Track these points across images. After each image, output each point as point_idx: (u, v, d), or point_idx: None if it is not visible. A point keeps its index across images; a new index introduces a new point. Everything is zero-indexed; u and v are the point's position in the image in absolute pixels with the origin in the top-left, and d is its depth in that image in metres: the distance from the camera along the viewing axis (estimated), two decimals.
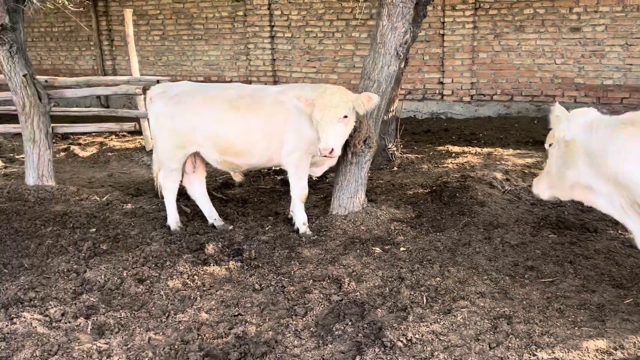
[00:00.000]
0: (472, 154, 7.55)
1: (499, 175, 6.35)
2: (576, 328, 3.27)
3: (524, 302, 3.58)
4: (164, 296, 3.81)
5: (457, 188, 5.73)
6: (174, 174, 4.96)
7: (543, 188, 3.69)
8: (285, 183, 6.81)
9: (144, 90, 7.04)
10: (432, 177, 6.49)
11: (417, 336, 3.25)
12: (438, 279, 3.92)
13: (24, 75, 5.99)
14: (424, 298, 3.67)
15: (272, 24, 10.68)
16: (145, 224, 5.16)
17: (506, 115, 9.52)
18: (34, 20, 12.01)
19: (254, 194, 6.33)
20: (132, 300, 3.79)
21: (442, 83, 9.77)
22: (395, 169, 6.92)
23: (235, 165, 4.87)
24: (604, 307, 3.47)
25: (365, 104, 4.34)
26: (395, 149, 7.06)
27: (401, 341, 3.21)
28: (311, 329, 3.40)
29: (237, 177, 5.14)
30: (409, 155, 7.45)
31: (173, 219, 5.05)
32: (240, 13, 10.86)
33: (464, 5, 9.26)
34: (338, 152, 4.36)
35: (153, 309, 3.65)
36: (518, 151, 7.66)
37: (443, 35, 9.51)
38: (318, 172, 4.99)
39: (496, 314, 3.46)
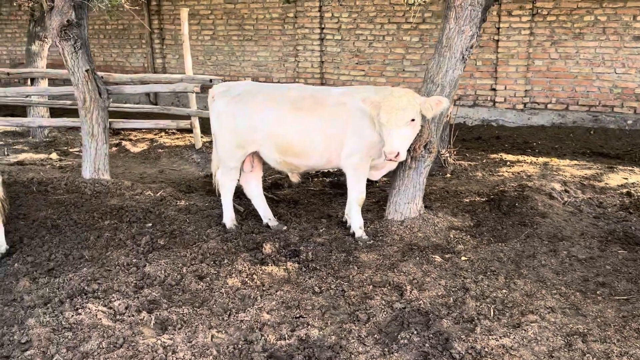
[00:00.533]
0: (527, 163, 7.34)
1: (557, 186, 6.14)
2: None
3: (598, 320, 3.41)
4: (224, 294, 3.79)
5: (516, 198, 5.56)
6: (233, 172, 4.97)
7: None
8: (334, 185, 6.77)
9: (202, 88, 7.10)
10: (488, 185, 6.32)
11: (486, 349, 3.13)
12: (504, 291, 3.78)
13: (86, 71, 6.12)
14: (491, 310, 3.54)
15: (322, 26, 10.67)
16: (200, 221, 5.19)
17: (561, 125, 9.23)
18: (89, 18, 12.33)
19: (303, 195, 6.30)
20: (192, 296, 3.79)
21: (494, 90, 9.55)
22: (449, 175, 6.78)
23: (294, 166, 4.85)
24: None
25: (433, 107, 4.24)
26: (448, 155, 6.92)
27: (470, 354, 3.10)
28: (375, 335, 3.32)
29: (294, 178, 5.10)
30: (462, 162, 7.29)
31: (229, 217, 5.05)
32: (291, 15, 10.89)
33: (521, 11, 9.03)
34: (403, 156, 4.27)
35: (214, 306, 3.64)
36: (575, 162, 7.40)
37: (497, 41, 9.29)
38: (376, 175, 4.92)
39: (569, 330, 3.31)
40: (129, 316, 3.48)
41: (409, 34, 10.00)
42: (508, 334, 3.27)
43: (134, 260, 4.30)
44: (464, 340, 3.20)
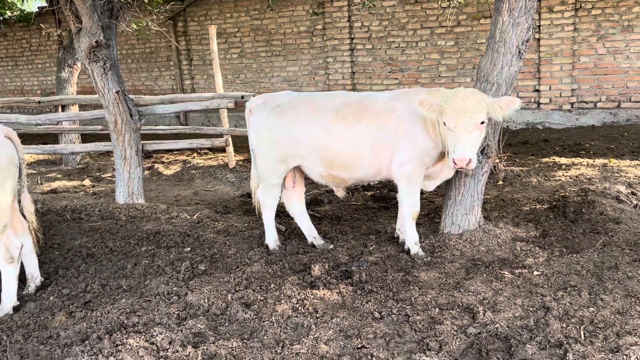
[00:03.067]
0: (583, 165, 6.82)
1: (623, 189, 5.63)
2: None
3: None
4: (274, 323, 3.43)
5: (581, 203, 5.09)
6: (274, 189, 4.64)
7: None
8: (377, 199, 6.39)
9: (236, 104, 6.86)
10: (547, 191, 5.85)
11: None
12: (591, 309, 3.32)
13: (117, 92, 5.93)
14: (581, 332, 3.09)
15: (352, 36, 10.38)
16: (241, 243, 4.87)
17: (613, 124, 8.66)
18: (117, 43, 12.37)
19: (345, 210, 5.93)
20: (240, 327, 3.44)
21: (538, 91, 9.06)
22: (501, 182, 6.33)
23: (340, 180, 4.49)
24: None
25: (503, 108, 3.82)
26: (498, 161, 6.47)
27: None
28: None
29: (340, 193, 4.74)
30: (513, 168, 6.83)
31: (272, 238, 4.71)
32: (319, 27, 10.64)
33: (563, 7, 8.57)
34: (475, 163, 3.85)
35: (265, 338, 3.28)
36: (637, 162, 6.85)
37: (539, 39, 8.83)
38: (431, 186, 4.51)
39: None
40: (174, 352, 3.15)
41: (443, 38, 9.62)
42: None
43: (175, 289, 3.98)
44: None
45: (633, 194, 5.57)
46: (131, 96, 7.01)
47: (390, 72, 10.22)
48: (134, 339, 3.27)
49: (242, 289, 3.93)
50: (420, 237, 4.57)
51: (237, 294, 3.84)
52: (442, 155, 4.24)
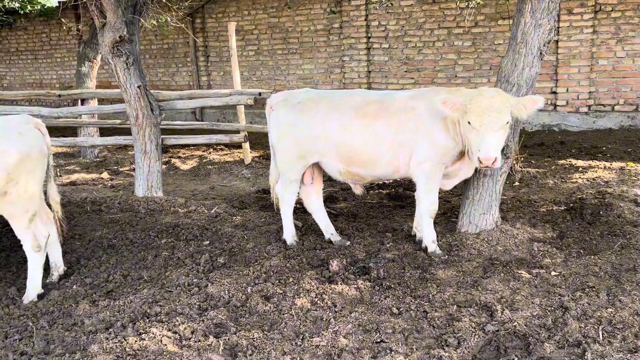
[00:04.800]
0: (600, 168, 6.80)
1: None
2: None
3: None
4: (294, 316, 3.49)
5: (598, 205, 5.09)
6: (293, 185, 4.69)
7: None
8: (393, 198, 6.43)
9: (255, 100, 6.91)
10: (563, 193, 5.85)
11: None
12: (610, 309, 3.33)
13: (139, 87, 6.02)
14: (600, 332, 3.11)
15: (369, 35, 10.41)
16: (259, 238, 4.93)
17: (630, 127, 8.61)
18: None
19: (361, 208, 5.97)
20: (261, 319, 3.50)
21: (555, 93, 9.03)
22: (517, 183, 6.34)
23: (359, 177, 4.53)
24: None
25: (527, 107, 3.85)
26: (515, 162, 6.46)
27: None
28: None
29: (358, 190, 4.78)
30: (529, 169, 6.83)
31: (290, 233, 4.77)
32: (336, 25, 10.68)
33: (582, 9, 8.53)
34: (500, 162, 3.89)
35: (285, 330, 3.34)
36: None
37: (557, 41, 8.80)
38: (448, 185, 4.54)
39: None
40: (196, 341, 3.21)
41: (460, 38, 9.62)
42: None
43: (195, 280, 4.06)
44: None
45: None
46: (151, 91, 7.12)
47: (406, 71, 10.23)
48: (157, 327, 3.34)
49: (261, 282, 4.00)
50: (437, 236, 4.60)
51: (257, 286, 3.90)
52: (461, 155, 4.27)
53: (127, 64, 5.89)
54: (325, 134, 4.38)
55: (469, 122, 3.85)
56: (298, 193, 4.84)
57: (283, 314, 3.53)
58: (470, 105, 3.80)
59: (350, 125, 4.32)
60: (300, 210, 5.52)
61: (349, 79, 10.77)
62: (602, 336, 3.08)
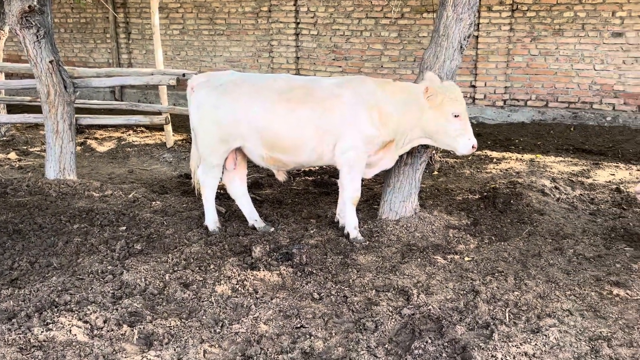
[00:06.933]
0: (513, 159, 7.20)
1: (547, 183, 6.00)
2: None
3: (620, 322, 3.21)
4: (214, 303, 3.43)
5: (510, 195, 5.38)
6: (215, 170, 4.58)
7: None
8: (318, 184, 6.46)
9: (178, 81, 6.67)
10: (478, 182, 6.14)
11: (508, 358, 2.87)
12: (516, 292, 3.54)
13: (50, 62, 5.63)
14: (506, 314, 3.30)
15: (298, 20, 10.34)
16: (179, 224, 4.79)
17: (540, 122, 9.16)
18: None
19: (287, 195, 5.97)
20: (179, 306, 3.41)
21: (474, 86, 9.42)
22: (436, 173, 6.56)
23: (282, 163, 4.50)
24: None
25: None
26: (434, 152, 6.68)
27: None
28: (386, 345, 3.02)
29: (281, 177, 4.75)
30: (448, 159, 7.10)
31: (212, 219, 4.67)
32: (265, 9, 10.51)
33: (501, 7, 8.93)
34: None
35: (204, 317, 3.27)
36: (560, 158, 7.31)
37: (477, 37, 9.16)
38: (369, 174, 4.61)
39: (592, 334, 3.09)
40: (109, 331, 3.08)
41: (387, 29, 9.78)
42: (528, 340, 3.02)
43: (110, 268, 3.88)
44: (483, 349, 2.93)
45: (556, 188, 5.94)
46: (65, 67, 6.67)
47: (334, 59, 10.28)
48: (66, 317, 3.17)
49: (180, 269, 3.89)
50: (359, 223, 4.68)
51: (175, 274, 3.79)
52: (385, 144, 4.36)
53: (37, 37, 5.48)
54: (248, 118, 4.30)
55: (453, 113, 4.10)
56: (221, 178, 4.74)
57: (202, 301, 3.46)
58: (456, 96, 4.08)
59: (273, 110, 4.27)
60: (223, 196, 5.42)
61: (277, 64, 10.66)
62: (509, 318, 3.27)
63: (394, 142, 4.35)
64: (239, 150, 4.63)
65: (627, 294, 3.55)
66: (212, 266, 3.94)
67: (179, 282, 3.69)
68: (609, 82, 8.74)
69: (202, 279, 3.75)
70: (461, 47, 4.50)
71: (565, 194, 5.81)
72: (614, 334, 3.08)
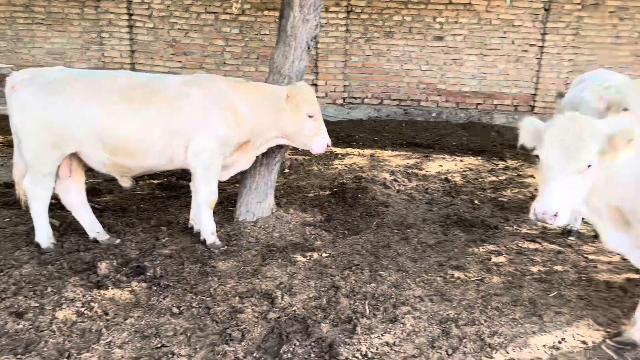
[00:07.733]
0: (356, 155, 7.57)
1: (387, 176, 6.42)
2: (519, 325, 3.31)
3: (463, 303, 3.54)
4: (56, 332, 3.03)
5: (356, 189, 5.65)
6: (46, 179, 4.04)
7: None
8: (165, 188, 6.10)
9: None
10: (327, 178, 6.33)
11: (372, 350, 3.00)
12: (372, 284, 3.71)
13: None
14: (366, 307, 3.43)
15: (131, 11, 9.64)
16: (4, 242, 4.17)
17: (376, 118, 9.79)
18: None
19: (130, 201, 5.53)
20: (12, 340, 2.95)
21: (315, 85, 9.71)
22: (287, 171, 6.63)
23: (127, 168, 4.13)
24: (536, 302, 3.58)
25: None
26: (283, 150, 6.75)
27: (357, 358, 2.93)
28: (254, 354, 2.95)
29: (125, 183, 4.34)
30: (296, 157, 7.21)
31: (44, 234, 4.12)
32: None
33: (338, 8, 9.31)
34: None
35: (45, 350, 2.87)
36: (396, 153, 7.87)
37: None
38: (225, 176, 4.45)
39: (441, 317, 3.36)
40: None
41: (228, 25, 9.60)
42: (388, 330, 3.19)
43: None
44: (348, 344, 3.02)
45: (396, 180, 6.38)
46: None
47: (173, 54, 9.81)
48: None
49: (9, 296, 3.38)
50: (216, 226, 4.51)
51: (4, 302, 3.28)
52: (240, 145, 4.25)
53: None
54: (85, 120, 3.86)
55: (308, 114, 4.23)
56: (54, 188, 4.20)
57: (42, 331, 3.04)
58: (306, 95, 4.24)
59: (114, 110, 3.89)
60: (55, 207, 4.82)
61: (109, 57, 9.85)
62: (368, 310, 3.41)
63: (251, 143, 4.27)
64: (74, 155, 4.14)
65: (466, 276, 3.93)
66: (49, 289, 3.48)
67: (10, 311, 3.20)
68: (433, 81, 9.65)
69: (38, 305, 3.29)
70: (308, 47, 4.57)
71: (404, 185, 6.27)
72: (460, 314, 3.39)
